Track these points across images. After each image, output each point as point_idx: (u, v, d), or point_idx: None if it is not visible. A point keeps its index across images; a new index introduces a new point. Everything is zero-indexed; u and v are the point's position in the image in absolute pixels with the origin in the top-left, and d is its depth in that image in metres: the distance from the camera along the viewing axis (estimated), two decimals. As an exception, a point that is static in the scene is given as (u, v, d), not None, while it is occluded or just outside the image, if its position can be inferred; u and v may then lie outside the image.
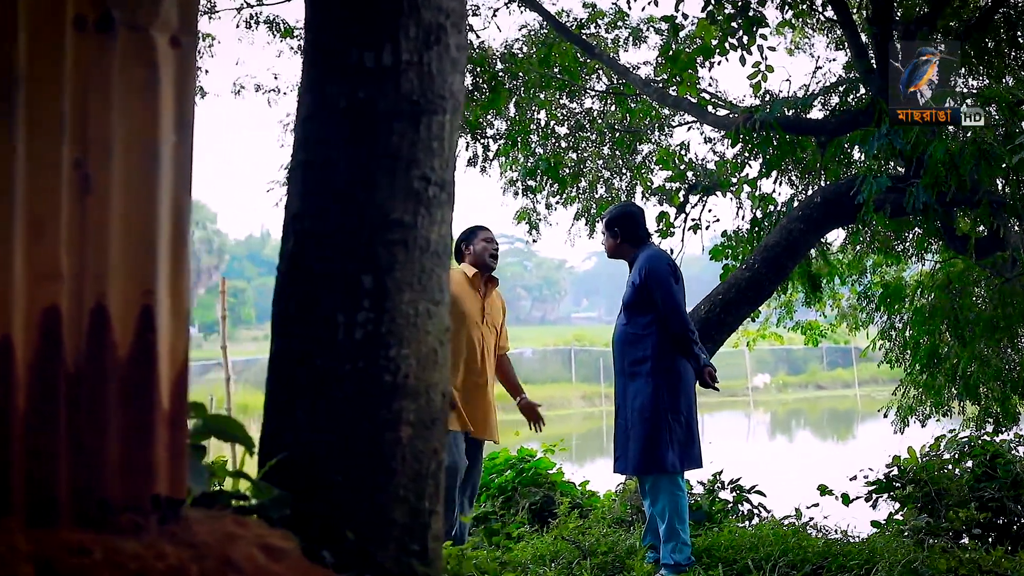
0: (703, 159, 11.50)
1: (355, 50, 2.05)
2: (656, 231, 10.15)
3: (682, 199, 10.66)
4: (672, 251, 10.52)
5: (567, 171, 11.33)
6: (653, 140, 11.70)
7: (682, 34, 9.38)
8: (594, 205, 11.68)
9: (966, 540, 6.39)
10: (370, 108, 2.05)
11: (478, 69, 9.69)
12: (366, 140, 2.05)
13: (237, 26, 10.86)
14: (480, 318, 5.69)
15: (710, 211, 10.62)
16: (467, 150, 10.71)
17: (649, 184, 11.67)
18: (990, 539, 6.50)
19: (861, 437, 22.01)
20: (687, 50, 8.66)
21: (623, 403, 5.51)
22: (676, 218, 10.46)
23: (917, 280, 10.84)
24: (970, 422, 10.16)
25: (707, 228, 10.57)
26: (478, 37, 9.95)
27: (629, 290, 5.59)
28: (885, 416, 11.23)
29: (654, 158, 11.59)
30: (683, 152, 11.32)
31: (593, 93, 11.44)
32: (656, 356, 5.39)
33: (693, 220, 10.56)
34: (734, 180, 9.36)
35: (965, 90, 9.02)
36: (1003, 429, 9.53)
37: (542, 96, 10.86)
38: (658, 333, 5.41)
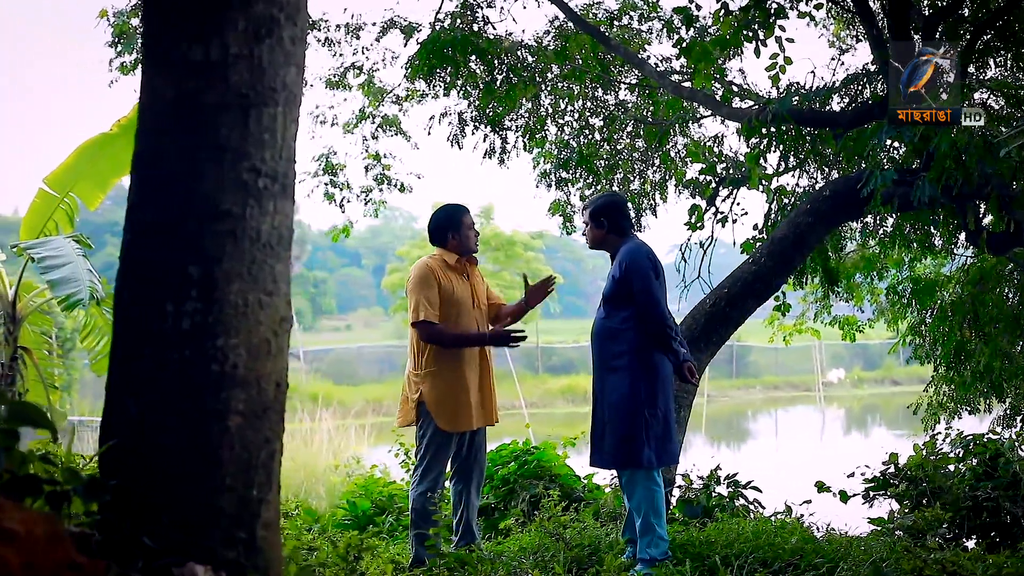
0: (735, 151, 11.35)
1: (183, 43, 2.07)
2: (686, 224, 10.05)
3: (712, 192, 10.52)
4: (701, 244, 10.46)
5: (602, 163, 11.25)
6: (685, 133, 11.54)
7: (710, 27, 9.25)
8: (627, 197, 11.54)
9: (968, 541, 6.27)
10: (197, 100, 2.07)
11: (495, 61, 9.66)
12: (193, 132, 2.07)
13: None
14: (472, 303, 5.73)
15: (738, 204, 10.48)
16: (484, 141, 10.67)
17: (682, 176, 11.54)
18: (996, 538, 6.36)
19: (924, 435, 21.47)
20: (703, 41, 8.52)
21: (600, 397, 5.47)
22: (707, 211, 10.33)
23: (946, 276, 10.60)
24: (999, 420, 9.93)
25: (734, 222, 10.42)
26: (494, 29, 9.88)
27: (609, 283, 5.54)
28: (915, 413, 11.02)
29: (684, 151, 11.44)
30: (714, 145, 11.19)
31: (624, 84, 11.31)
32: (634, 351, 5.34)
33: (722, 213, 10.43)
34: (748, 171, 9.20)
35: (986, 78, 8.78)
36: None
37: (575, 89, 10.78)
38: (637, 328, 5.36)
